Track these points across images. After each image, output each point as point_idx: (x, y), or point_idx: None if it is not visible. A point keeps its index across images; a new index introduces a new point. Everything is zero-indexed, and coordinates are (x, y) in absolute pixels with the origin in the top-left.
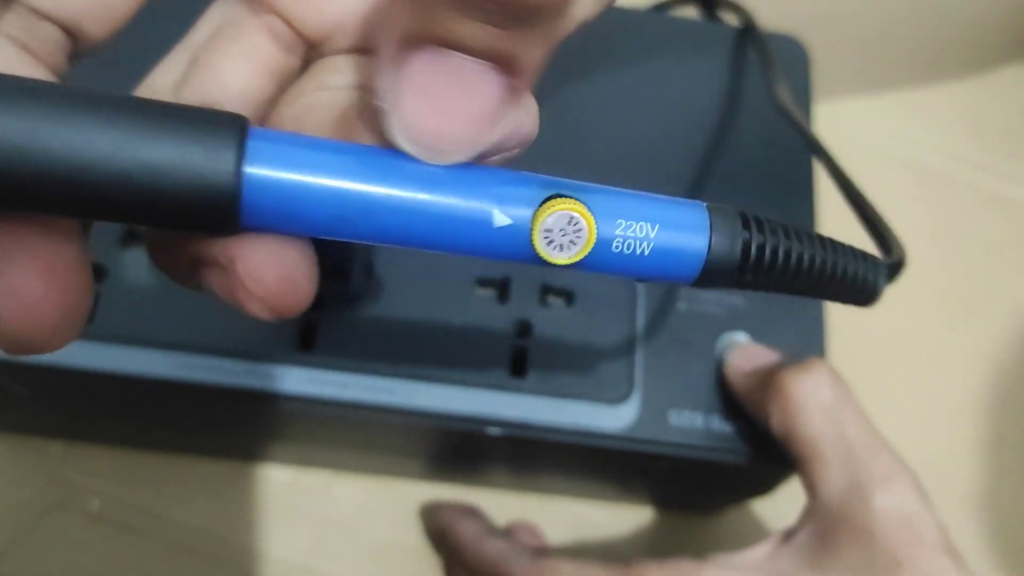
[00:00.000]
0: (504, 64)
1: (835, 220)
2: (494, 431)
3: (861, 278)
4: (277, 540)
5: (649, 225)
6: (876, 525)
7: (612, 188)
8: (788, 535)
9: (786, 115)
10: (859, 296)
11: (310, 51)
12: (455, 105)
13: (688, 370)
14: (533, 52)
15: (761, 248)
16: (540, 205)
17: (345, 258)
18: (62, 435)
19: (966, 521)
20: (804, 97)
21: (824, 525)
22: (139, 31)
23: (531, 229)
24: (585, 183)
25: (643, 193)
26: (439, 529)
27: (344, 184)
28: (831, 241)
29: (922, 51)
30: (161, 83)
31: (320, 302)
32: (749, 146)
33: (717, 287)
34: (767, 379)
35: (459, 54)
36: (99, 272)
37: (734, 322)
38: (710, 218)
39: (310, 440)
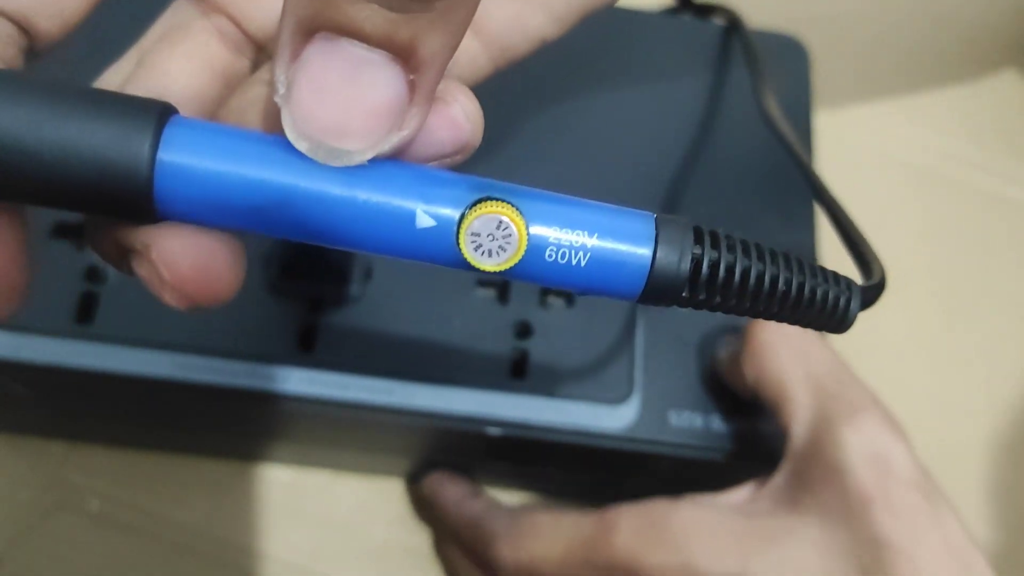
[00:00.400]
0: (402, 55)
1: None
2: (494, 431)
3: (831, 304)
4: (277, 540)
5: (586, 233)
6: (846, 461)
7: (548, 193)
8: (765, 479)
9: (771, 125)
10: (828, 322)
11: (259, 52)
12: (350, 100)
13: (688, 370)
14: (433, 41)
15: (714, 265)
16: (469, 207)
17: (344, 259)
18: (62, 435)
19: (967, 522)
20: (804, 96)
21: (798, 465)
22: (97, 34)
23: (457, 232)
24: (519, 186)
25: (583, 200)
26: (425, 498)
27: (260, 175)
28: (799, 261)
29: (921, 54)
30: (109, 84)
31: (320, 303)
32: (749, 152)
33: (666, 304)
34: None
35: (355, 43)
36: (99, 273)
37: (734, 322)
38: (657, 229)
39: (310, 440)
